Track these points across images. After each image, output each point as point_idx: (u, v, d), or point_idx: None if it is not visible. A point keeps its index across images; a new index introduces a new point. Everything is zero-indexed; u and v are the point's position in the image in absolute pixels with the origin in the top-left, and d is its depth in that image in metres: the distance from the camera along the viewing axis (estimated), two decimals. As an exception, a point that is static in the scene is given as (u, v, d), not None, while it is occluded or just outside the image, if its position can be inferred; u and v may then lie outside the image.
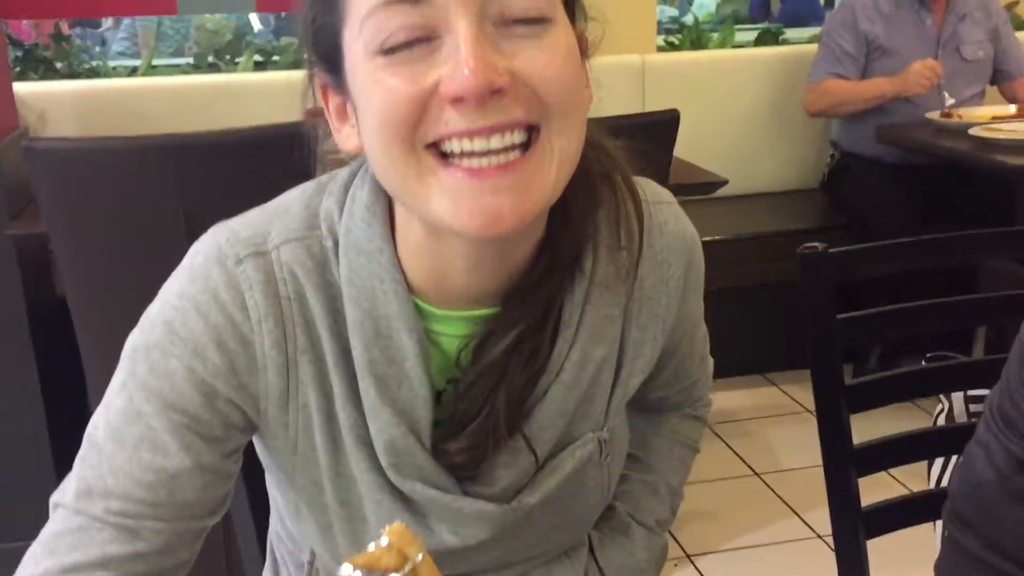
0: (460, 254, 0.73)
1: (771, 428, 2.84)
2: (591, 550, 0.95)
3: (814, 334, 1.15)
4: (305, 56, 0.74)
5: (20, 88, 2.54)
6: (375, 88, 0.65)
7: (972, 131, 2.64)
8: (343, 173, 0.79)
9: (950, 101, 2.92)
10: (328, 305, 0.74)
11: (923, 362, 1.50)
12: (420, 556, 0.56)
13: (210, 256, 0.74)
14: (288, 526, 0.90)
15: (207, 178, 1.69)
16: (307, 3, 0.72)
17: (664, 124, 1.89)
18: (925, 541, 1.32)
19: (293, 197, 0.79)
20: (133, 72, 3.37)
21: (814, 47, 3.11)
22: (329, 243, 0.75)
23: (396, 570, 0.56)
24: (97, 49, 4.67)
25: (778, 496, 2.49)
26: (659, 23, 3.41)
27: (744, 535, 2.34)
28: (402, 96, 0.64)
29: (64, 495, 0.75)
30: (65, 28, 4.53)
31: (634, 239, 0.80)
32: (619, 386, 0.83)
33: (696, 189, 2.26)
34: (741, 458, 2.68)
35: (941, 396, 2.40)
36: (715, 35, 3.73)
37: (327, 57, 0.71)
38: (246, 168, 1.67)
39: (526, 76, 0.65)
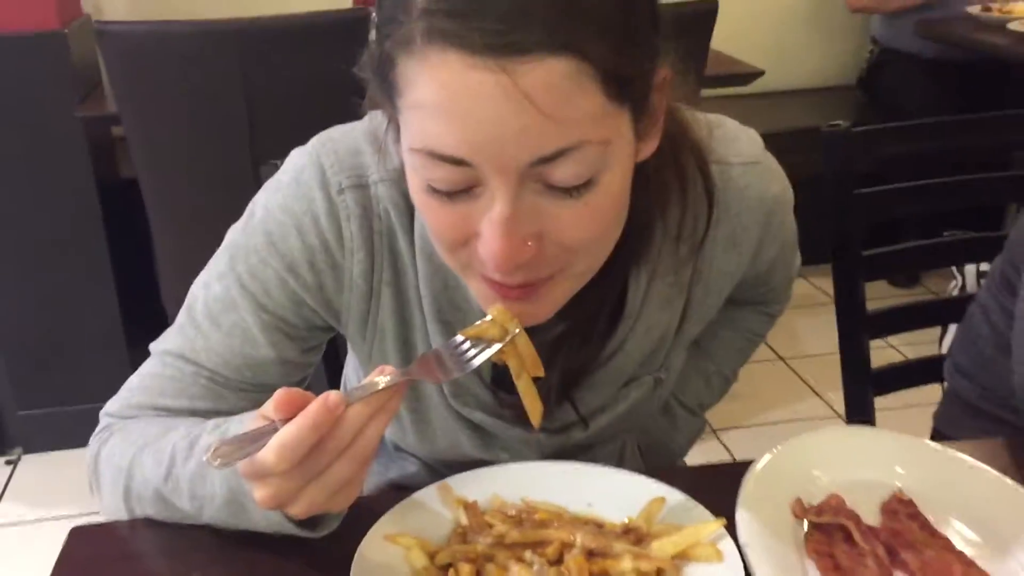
0: None
1: (797, 317, 2.93)
2: None
3: (833, 208, 1.23)
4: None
5: (77, -24, 2.59)
6: (423, 205, 0.67)
7: (1011, 25, 2.65)
8: None
9: None
10: (411, 248, 0.80)
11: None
12: (518, 330, 0.68)
13: (314, 178, 0.78)
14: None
15: (268, 61, 1.77)
16: (368, 49, 0.67)
17: (702, 15, 1.92)
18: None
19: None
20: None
21: (857, -61, 3.08)
22: None
23: (499, 340, 0.68)
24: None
25: (800, 378, 2.62)
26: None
27: (767, 412, 2.48)
28: (446, 231, 0.67)
29: (164, 345, 0.84)
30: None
31: (700, 227, 0.81)
32: (681, 335, 0.88)
33: (732, 80, 2.29)
34: (767, 343, 2.78)
35: (955, 271, 2.44)
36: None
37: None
38: (306, 52, 1.77)
39: (555, 238, 0.65)
